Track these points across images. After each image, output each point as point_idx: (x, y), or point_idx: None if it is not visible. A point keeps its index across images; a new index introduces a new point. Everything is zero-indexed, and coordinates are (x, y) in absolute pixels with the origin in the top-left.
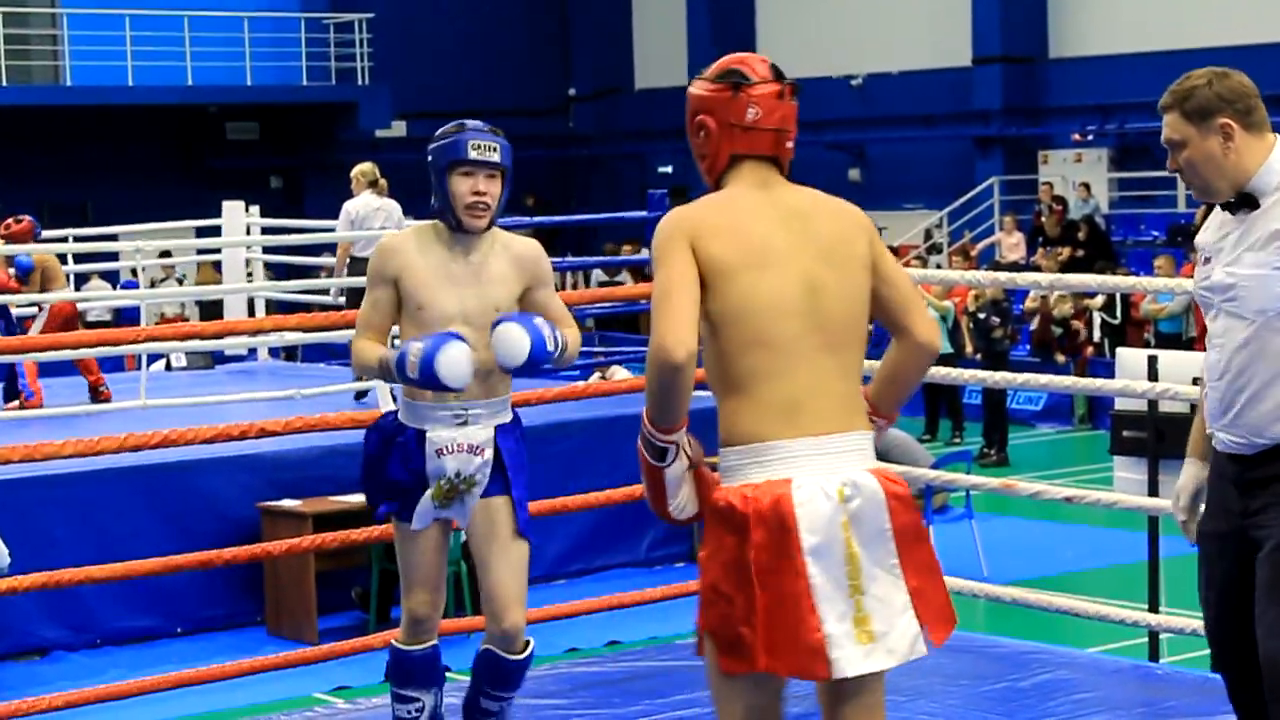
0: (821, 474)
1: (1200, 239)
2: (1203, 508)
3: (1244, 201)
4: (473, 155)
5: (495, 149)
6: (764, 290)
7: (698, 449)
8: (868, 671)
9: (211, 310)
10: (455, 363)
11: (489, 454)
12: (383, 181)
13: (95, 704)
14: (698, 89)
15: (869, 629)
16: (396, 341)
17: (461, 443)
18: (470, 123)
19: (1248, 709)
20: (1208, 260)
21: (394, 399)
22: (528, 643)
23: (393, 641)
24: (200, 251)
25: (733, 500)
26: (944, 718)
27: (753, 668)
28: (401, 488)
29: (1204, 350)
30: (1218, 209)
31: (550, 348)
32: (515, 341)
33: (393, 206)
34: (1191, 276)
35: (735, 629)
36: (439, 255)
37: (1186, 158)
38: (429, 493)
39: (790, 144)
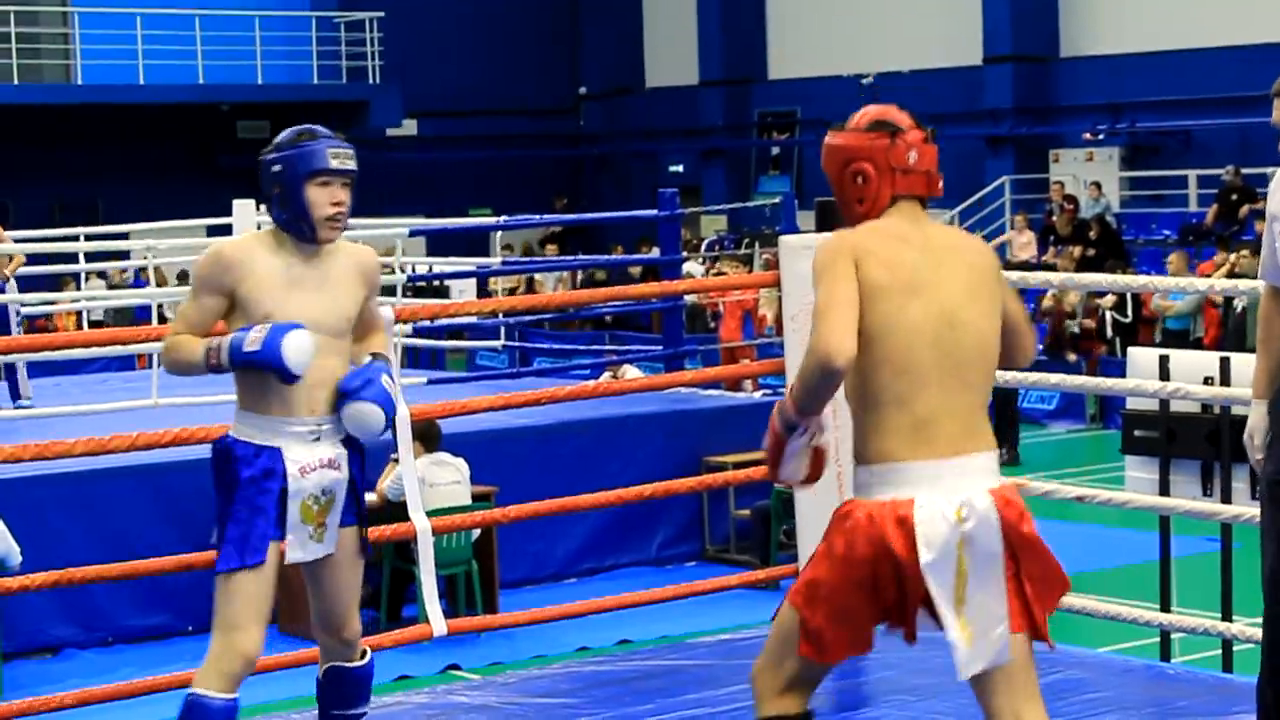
0: (941, 495)
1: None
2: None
3: None
4: (334, 164)
5: (352, 157)
6: (907, 316)
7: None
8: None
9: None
10: (302, 346)
11: (345, 470)
12: None
13: (106, 702)
14: (850, 140)
15: (969, 637)
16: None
17: (322, 458)
18: (320, 129)
19: None
20: None
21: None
22: (365, 651)
23: (199, 692)
24: None
25: (859, 515)
26: (955, 717)
27: (821, 659)
28: (265, 512)
29: (1211, 349)
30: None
31: (395, 405)
32: (371, 418)
33: None
34: (1206, 275)
35: (819, 624)
36: (283, 261)
37: None
38: (297, 515)
39: (940, 182)
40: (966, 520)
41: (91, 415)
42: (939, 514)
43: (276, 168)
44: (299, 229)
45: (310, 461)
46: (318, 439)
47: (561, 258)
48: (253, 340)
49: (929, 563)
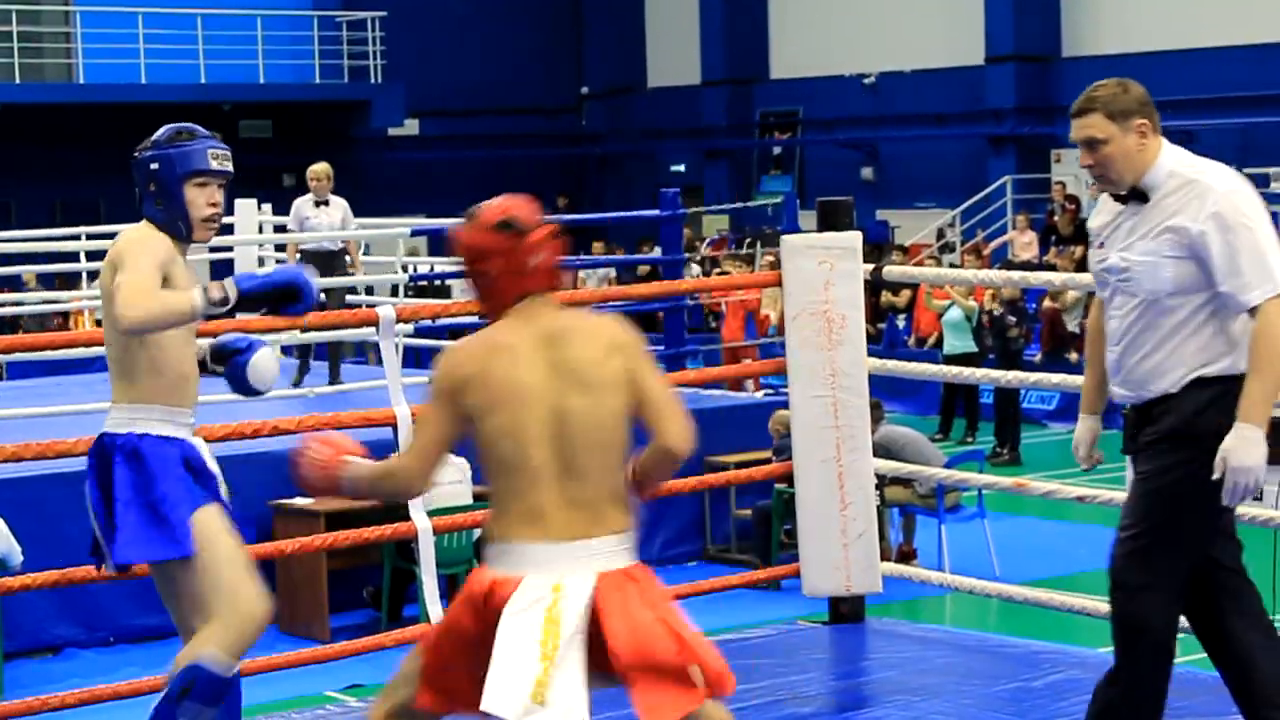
0: (546, 574)
1: (1093, 224)
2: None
3: (1137, 194)
4: (213, 165)
5: (229, 159)
6: (512, 427)
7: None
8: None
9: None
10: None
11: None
12: None
13: (108, 702)
14: (476, 239)
15: (544, 694)
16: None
17: (203, 449)
18: (199, 129)
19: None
20: (1102, 244)
21: None
22: None
23: (213, 660)
24: (212, 249)
25: (475, 586)
26: (957, 717)
27: (434, 709)
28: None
29: None
30: (1106, 197)
31: None
32: (272, 363)
33: None
34: None
35: (448, 681)
36: (180, 258)
37: (1107, 153)
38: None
39: (563, 274)
40: (563, 598)
41: (94, 414)
42: (537, 590)
43: (154, 165)
44: (176, 228)
45: (205, 451)
46: (192, 431)
47: (568, 258)
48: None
49: (508, 625)
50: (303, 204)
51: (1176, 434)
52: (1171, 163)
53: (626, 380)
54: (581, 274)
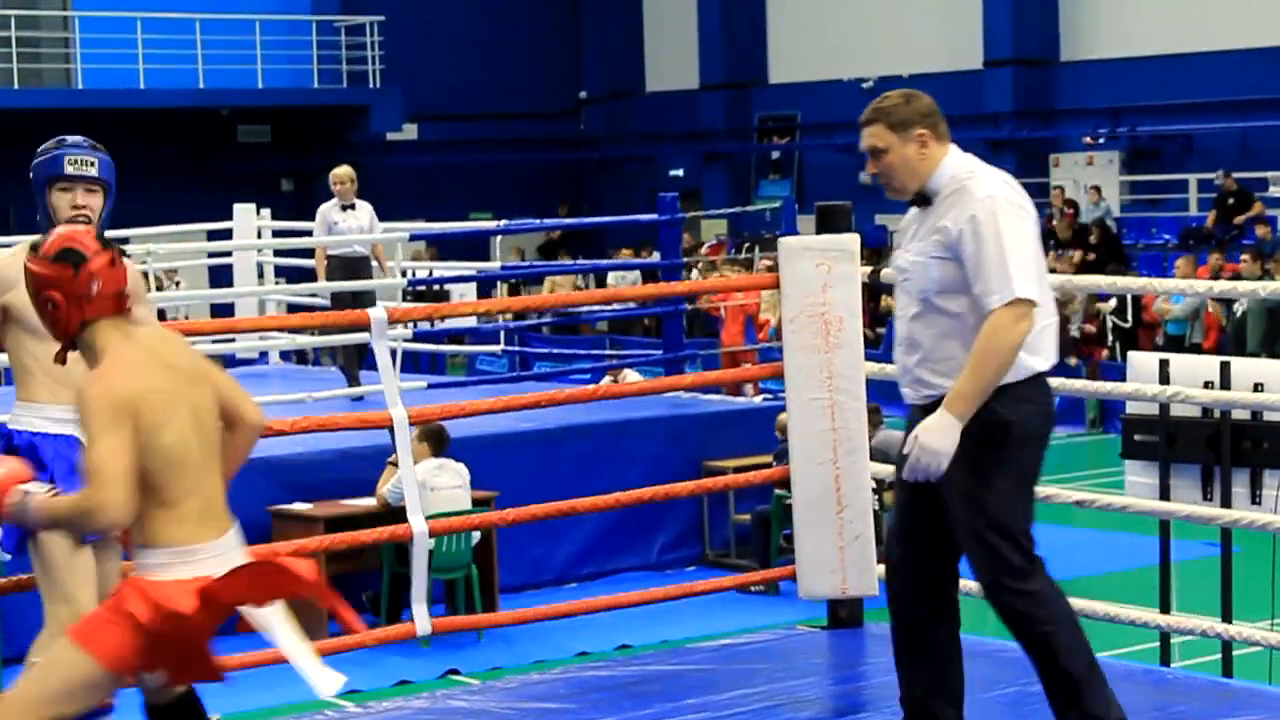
0: (224, 567)
1: (901, 226)
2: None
3: (922, 199)
4: (69, 170)
5: (93, 164)
6: (179, 433)
7: None
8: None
9: None
10: None
11: None
12: None
13: None
14: (39, 268)
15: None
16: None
17: None
18: (70, 139)
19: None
20: (898, 245)
21: None
22: None
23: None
24: (211, 255)
25: (171, 592)
26: None
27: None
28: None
29: (1212, 354)
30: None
31: None
32: None
33: None
34: (1206, 278)
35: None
36: None
37: (889, 161)
38: None
39: (130, 305)
40: None
41: None
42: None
43: (31, 175)
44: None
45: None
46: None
47: (565, 262)
48: None
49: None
50: (329, 209)
51: (978, 441)
52: (954, 169)
53: (206, 373)
54: (611, 278)
